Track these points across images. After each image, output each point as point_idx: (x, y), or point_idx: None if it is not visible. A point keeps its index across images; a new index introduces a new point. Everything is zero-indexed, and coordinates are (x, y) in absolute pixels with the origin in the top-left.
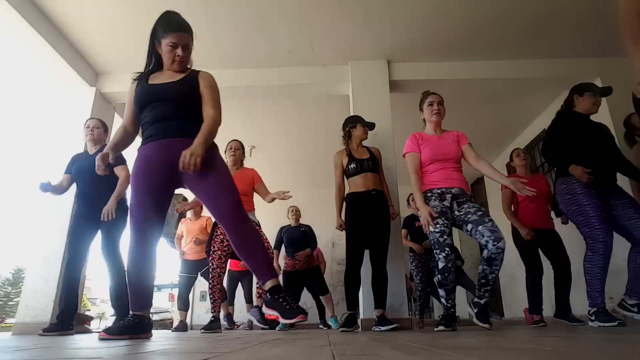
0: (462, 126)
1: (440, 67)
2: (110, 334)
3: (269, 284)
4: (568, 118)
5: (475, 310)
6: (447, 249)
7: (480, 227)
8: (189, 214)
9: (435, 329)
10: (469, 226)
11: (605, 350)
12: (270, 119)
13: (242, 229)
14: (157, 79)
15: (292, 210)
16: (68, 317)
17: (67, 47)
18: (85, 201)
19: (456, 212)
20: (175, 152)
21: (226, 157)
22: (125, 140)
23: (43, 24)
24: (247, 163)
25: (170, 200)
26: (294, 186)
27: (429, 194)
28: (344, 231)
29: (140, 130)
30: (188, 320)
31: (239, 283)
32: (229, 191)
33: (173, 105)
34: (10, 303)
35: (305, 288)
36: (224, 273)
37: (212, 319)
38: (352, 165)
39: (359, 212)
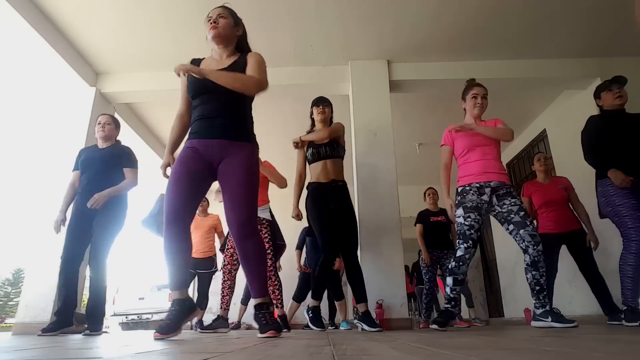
0: None
1: (440, 67)
2: (165, 332)
3: (255, 301)
4: (596, 118)
5: (550, 319)
6: (470, 242)
7: (521, 232)
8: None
9: (431, 326)
10: (511, 226)
11: (605, 349)
12: (270, 119)
13: (245, 244)
14: (209, 65)
15: None
16: (67, 313)
17: (67, 47)
18: (86, 197)
19: (497, 208)
20: (213, 153)
21: None
22: (182, 132)
23: (43, 24)
24: None
25: (203, 195)
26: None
27: (467, 188)
28: (299, 220)
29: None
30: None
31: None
32: (243, 206)
33: (223, 96)
34: (10, 303)
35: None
36: (235, 270)
37: (216, 317)
38: (310, 151)
39: (321, 204)
